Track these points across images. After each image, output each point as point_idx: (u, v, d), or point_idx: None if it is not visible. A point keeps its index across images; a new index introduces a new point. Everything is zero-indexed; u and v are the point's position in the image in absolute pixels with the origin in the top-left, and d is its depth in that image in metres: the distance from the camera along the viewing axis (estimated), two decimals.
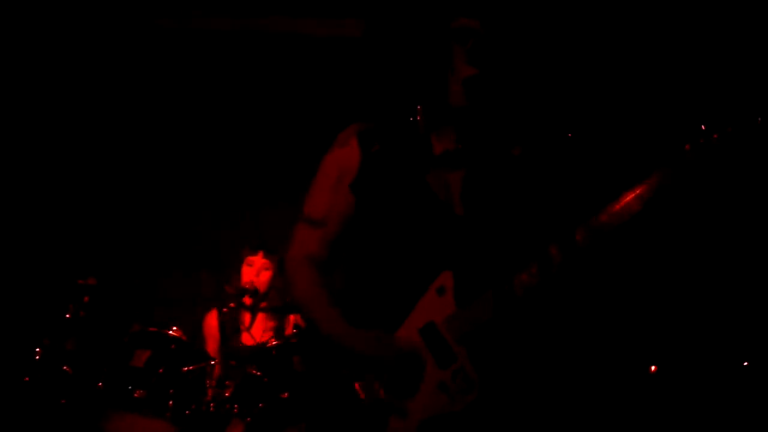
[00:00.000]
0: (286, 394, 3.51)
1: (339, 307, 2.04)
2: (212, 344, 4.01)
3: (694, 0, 4.03)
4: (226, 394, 3.47)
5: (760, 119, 1.74)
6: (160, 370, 3.48)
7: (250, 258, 4.15)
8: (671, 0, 4.09)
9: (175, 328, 3.65)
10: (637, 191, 1.81)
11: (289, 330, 4.13)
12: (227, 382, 3.51)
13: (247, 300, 4.06)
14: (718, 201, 3.64)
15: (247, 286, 4.03)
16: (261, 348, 3.63)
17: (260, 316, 4.18)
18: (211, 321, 4.11)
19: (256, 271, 4.13)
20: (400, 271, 2.01)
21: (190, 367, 3.53)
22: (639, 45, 4.18)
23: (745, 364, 3.64)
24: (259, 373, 3.52)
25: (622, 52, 4.17)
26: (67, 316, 3.67)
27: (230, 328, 4.01)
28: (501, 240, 1.96)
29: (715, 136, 1.78)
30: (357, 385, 1.95)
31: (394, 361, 1.92)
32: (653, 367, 3.68)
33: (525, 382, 1.97)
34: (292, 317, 4.18)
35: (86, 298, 3.72)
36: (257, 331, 4.08)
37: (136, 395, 3.40)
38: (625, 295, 3.71)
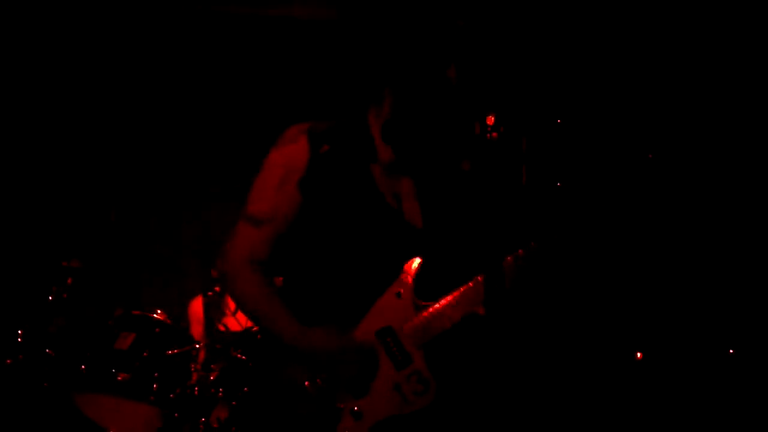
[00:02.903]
0: None
1: (287, 308, 2.00)
2: (197, 328, 3.99)
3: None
4: (211, 378, 3.45)
5: None
6: (145, 354, 3.45)
7: None
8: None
9: (159, 311, 3.63)
10: None
11: None
12: (212, 366, 3.49)
13: None
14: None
15: None
16: (246, 332, 3.61)
17: None
18: (197, 305, 4.09)
19: None
20: (348, 274, 2.00)
21: (175, 351, 3.50)
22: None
23: (731, 351, 3.66)
24: (244, 358, 3.50)
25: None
26: (50, 298, 3.64)
27: (216, 313, 3.99)
28: (453, 249, 1.97)
29: None
30: (307, 384, 1.93)
31: (350, 357, 1.93)
32: (639, 354, 3.68)
33: (482, 386, 1.92)
34: None
35: (69, 281, 3.69)
36: (243, 315, 4.05)
37: (119, 378, 3.38)
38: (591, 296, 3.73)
